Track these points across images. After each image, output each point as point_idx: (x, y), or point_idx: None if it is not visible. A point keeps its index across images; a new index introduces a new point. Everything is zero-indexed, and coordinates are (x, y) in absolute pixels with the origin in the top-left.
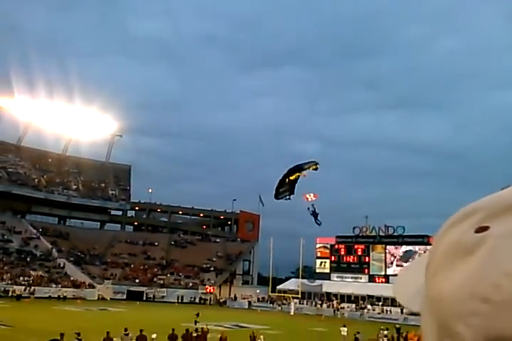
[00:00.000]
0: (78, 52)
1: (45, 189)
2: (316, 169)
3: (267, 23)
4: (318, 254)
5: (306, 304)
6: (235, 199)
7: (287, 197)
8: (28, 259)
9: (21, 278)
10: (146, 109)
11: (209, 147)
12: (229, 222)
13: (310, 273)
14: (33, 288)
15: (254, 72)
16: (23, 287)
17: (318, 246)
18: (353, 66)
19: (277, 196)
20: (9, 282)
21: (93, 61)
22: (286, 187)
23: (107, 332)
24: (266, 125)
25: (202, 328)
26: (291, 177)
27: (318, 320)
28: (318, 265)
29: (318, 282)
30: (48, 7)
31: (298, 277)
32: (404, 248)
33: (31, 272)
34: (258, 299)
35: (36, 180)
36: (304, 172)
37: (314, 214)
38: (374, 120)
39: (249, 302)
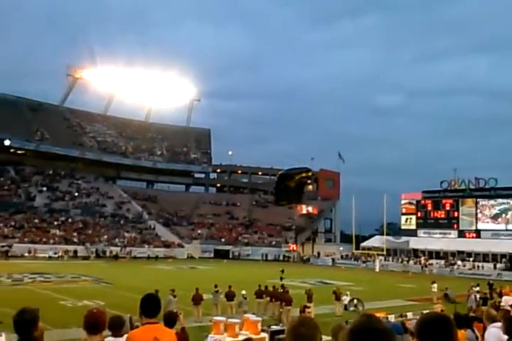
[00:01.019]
0: (155, 21)
1: (132, 155)
2: (308, 178)
3: None
4: (404, 211)
5: (392, 261)
6: (313, 158)
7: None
8: (122, 222)
9: (117, 239)
10: (222, 72)
11: (286, 106)
12: (309, 181)
13: (395, 230)
14: (128, 248)
15: (331, 24)
16: (119, 248)
17: (403, 202)
18: (438, 9)
19: (278, 202)
20: (106, 243)
21: (170, 28)
22: (285, 195)
23: (196, 289)
24: (344, 78)
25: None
26: (291, 184)
27: (406, 276)
28: (403, 221)
29: (404, 238)
30: None
31: (382, 234)
32: (498, 201)
33: (125, 234)
34: (342, 256)
35: (123, 148)
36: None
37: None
38: (462, 66)
39: (333, 260)
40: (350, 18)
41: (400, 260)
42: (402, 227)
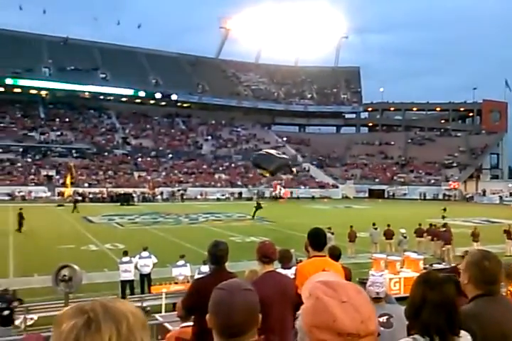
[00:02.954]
0: None
1: (284, 101)
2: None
3: None
4: None
5: None
6: (475, 88)
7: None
8: None
9: (274, 181)
10: (369, 2)
11: (442, 34)
12: (470, 114)
13: None
14: (285, 189)
15: None
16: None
17: None
18: None
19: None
20: (266, 185)
21: None
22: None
23: (351, 226)
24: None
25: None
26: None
27: None
28: None
29: None
30: None
31: None
32: None
33: (282, 176)
34: (510, 194)
35: (275, 94)
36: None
37: None
38: None
39: (500, 197)
40: None
41: None
42: None
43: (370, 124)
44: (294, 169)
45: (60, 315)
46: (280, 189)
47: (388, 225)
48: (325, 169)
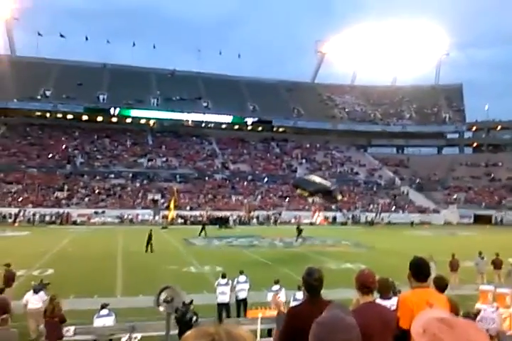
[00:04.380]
0: None
1: (381, 122)
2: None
3: None
4: None
5: None
6: None
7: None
8: (375, 189)
9: (371, 205)
10: (478, 15)
11: None
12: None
13: None
14: (382, 214)
15: None
16: (374, 213)
17: None
18: None
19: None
20: (361, 209)
21: None
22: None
23: (453, 255)
24: None
25: None
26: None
27: None
28: None
29: None
30: None
31: None
32: None
33: (379, 200)
34: None
35: (372, 115)
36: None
37: None
38: None
39: None
40: None
41: None
42: None
43: (475, 144)
44: (340, 196)
45: (187, 337)
46: (318, 215)
47: (497, 254)
48: (425, 192)
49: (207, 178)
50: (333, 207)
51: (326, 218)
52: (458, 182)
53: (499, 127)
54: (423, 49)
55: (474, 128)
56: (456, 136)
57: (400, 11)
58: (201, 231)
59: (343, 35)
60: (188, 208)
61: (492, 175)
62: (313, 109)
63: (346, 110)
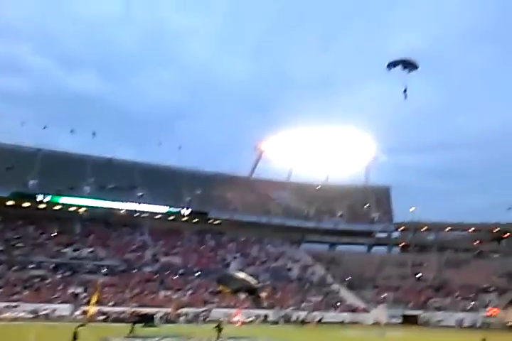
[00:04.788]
0: (337, 84)
1: (314, 218)
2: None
3: None
4: None
5: None
6: (510, 208)
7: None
8: (307, 286)
9: (303, 303)
10: (403, 125)
11: (479, 155)
12: (506, 235)
13: None
14: (314, 313)
15: None
16: (306, 312)
17: None
18: None
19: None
20: (293, 307)
21: (351, 89)
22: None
23: None
24: None
25: None
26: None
27: None
28: None
29: None
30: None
31: None
32: None
33: (311, 298)
34: None
35: (306, 211)
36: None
37: None
38: None
39: None
40: None
41: None
42: None
43: (402, 244)
44: (263, 294)
45: None
46: (238, 316)
47: None
48: (356, 291)
49: (135, 271)
50: (265, 304)
51: (244, 322)
52: (386, 281)
53: (424, 228)
54: (352, 152)
55: (401, 229)
56: (385, 235)
57: (333, 119)
58: (131, 331)
59: (280, 135)
60: (111, 303)
61: (419, 275)
62: (250, 202)
63: (282, 205)
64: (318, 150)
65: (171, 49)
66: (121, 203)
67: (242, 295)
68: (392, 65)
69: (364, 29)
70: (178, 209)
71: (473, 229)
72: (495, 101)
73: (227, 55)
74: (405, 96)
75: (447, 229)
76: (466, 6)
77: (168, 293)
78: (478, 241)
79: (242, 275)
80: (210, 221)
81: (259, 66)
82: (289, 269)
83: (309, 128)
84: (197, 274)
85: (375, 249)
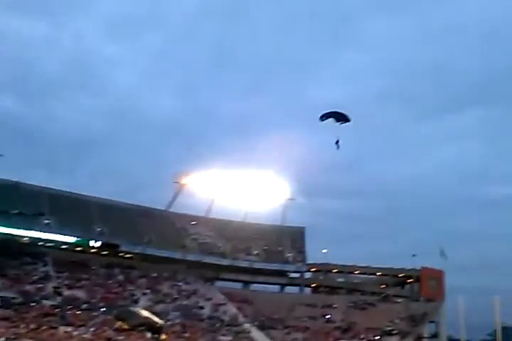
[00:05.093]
0: (256, 129)
1: (230, 256)
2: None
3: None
4: None
5: None
6: (414, 255)
7: None
8: (218, 325)
9: None
10: (319, 170)
11: (387, 204)
12: (410, 280)
13: (511, 335)
14: None
15: (433, 119)
16: None
17: None
18: None
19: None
20: None
21: (269, 135)
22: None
23: None
24: (448, 172)
25: None
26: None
27: None
28: None
29: None
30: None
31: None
32: None
33: (221, 337)
34: None
35: (222, 248)
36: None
37: None
38: None
39: None
40: (453, 113)
41: None
42: None
43: (314, 285)
44: (164, 336)
45: None
46: None
47: None
48: (267, 331)
49: (33, 304)
50: None
51: None
52: (297, 321)
53: (335, 270)
54: (269, 193)
55: (314, 270)
56: (298, 275)
57: (252, 160)
58: None
59: (201, 171)
60: (2, 339)
61: (328, 316)
62: (165, 237)
63: (198, 241)
64: (237, 188)
65: (94, 75)
66: (24, 231)
67: (148, 334)
68: (325, 116)
69: (288, 79)
70: (87, 240)
71: (380, 273)
72: (404, 155)
73: (153, 88)
74: (338, 147)
75: (356, 272)
76: (382, 70)
77: (69, 328)
78: (384, 285)
79: (145, 312)
80: (120, 254)
81: (183, 102)
82: (201, 307)
83: (229, 167)
84: (102, 310)
85: (288, 288)
